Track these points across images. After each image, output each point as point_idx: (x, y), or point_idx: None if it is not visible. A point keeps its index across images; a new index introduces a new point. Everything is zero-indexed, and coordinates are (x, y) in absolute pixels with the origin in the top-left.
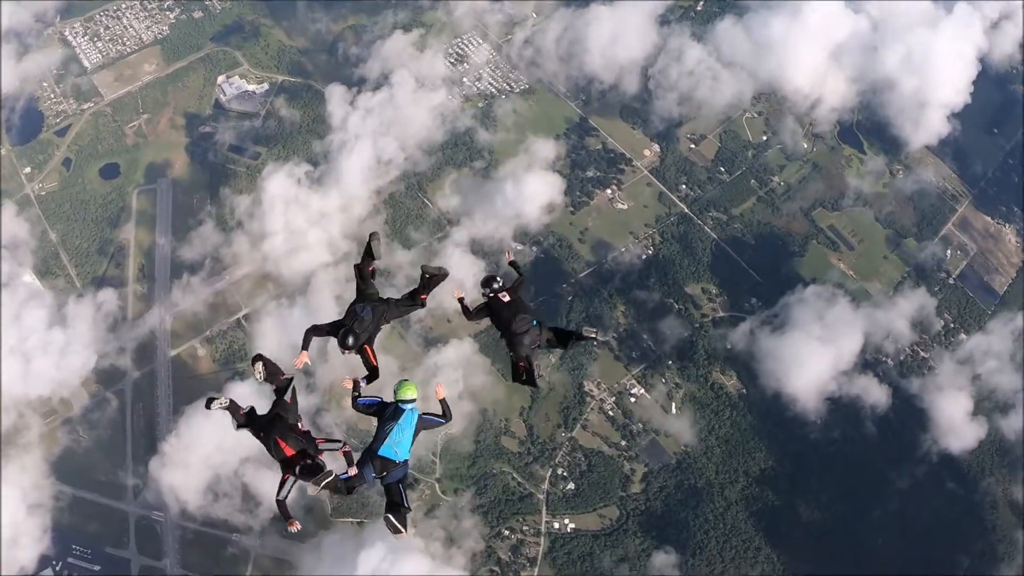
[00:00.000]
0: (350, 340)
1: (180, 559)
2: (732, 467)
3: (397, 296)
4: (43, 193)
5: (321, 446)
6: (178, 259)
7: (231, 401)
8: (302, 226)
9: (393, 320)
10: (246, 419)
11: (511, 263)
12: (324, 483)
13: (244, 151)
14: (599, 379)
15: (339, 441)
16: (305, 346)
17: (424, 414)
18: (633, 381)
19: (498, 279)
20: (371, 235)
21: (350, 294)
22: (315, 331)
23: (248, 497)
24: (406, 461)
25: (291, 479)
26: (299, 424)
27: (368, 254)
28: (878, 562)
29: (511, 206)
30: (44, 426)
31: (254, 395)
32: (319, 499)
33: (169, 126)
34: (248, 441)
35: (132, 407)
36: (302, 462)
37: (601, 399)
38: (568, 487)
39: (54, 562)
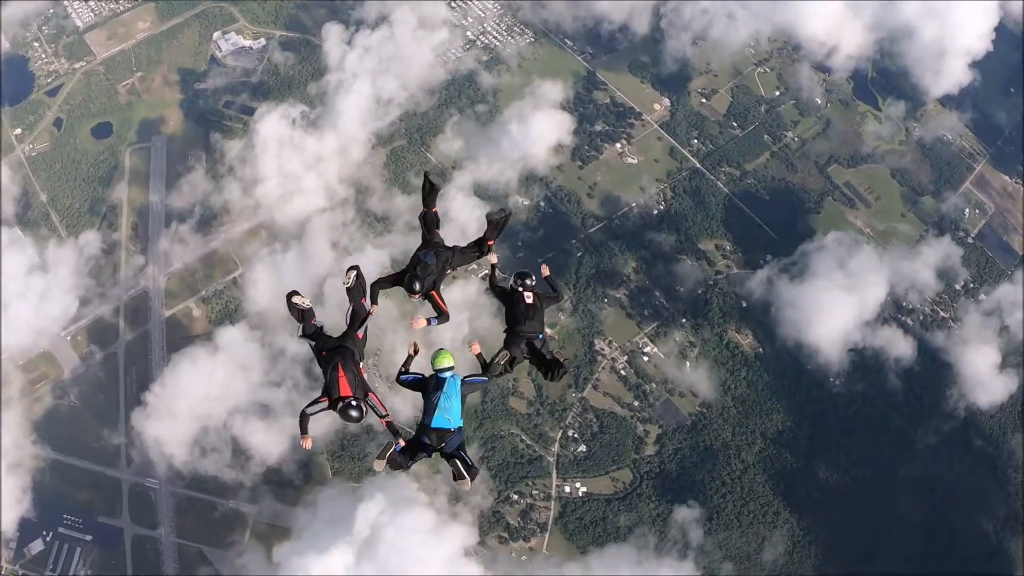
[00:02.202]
0: (416, 285)
1: (175, 527)
2: (749, 428)
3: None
4: (34, 154)
5: (371, 400)
6: (172, 214)
7: (309, 308)
8: (297, 170)
9: (459, 267)
10: (315, 333)
11: (547, 278)
12: (387, 456)
13: (240, 107)
14: (610, 337)
15: (386, 412)
16: (374, 300)
17: (466, 378)
18: (646, 339)
19: (532, 277)
20: (425, 174)
21: (347, 239)
22: (380, 284)
23: (239, 451)
24: (460, 428)
25: (325, 404)
26: (360, 365)
27: (430, 194)
28: (900, 527)
29: (517, 147)
30: (34, 390)
31: None
32: (317, 458)
33: (163, 84)
34: (238, 389)
35: (125, 370)
36: (347, 401)
37: (613, 358)
38: (579, 449)
39: (44, 532)
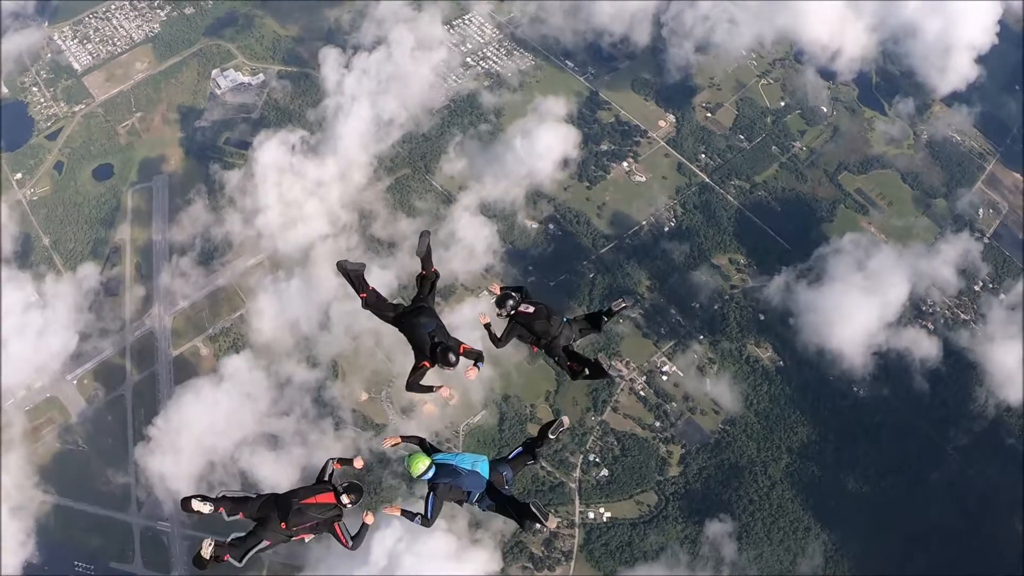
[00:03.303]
0: (451, 356)
1: (189, 571)
2: (774, 443)
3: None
4: (35, 198)
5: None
6: (175, 251)
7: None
8: (299, 197)
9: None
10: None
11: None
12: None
13: (241, 142)
14: (627, 357)
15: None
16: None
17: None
18: (664, 358)
19: (513, 294)
20: (422, 234)
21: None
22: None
23: (248, 486)
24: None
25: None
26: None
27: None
28: (933, 534)
29: (523, 164)
30: (40, 435)
31: None
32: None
33: (163, 123)
34: (244, 420)
35: (133, 412)
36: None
37: (631, 379)
38: (601, 474)
39: None
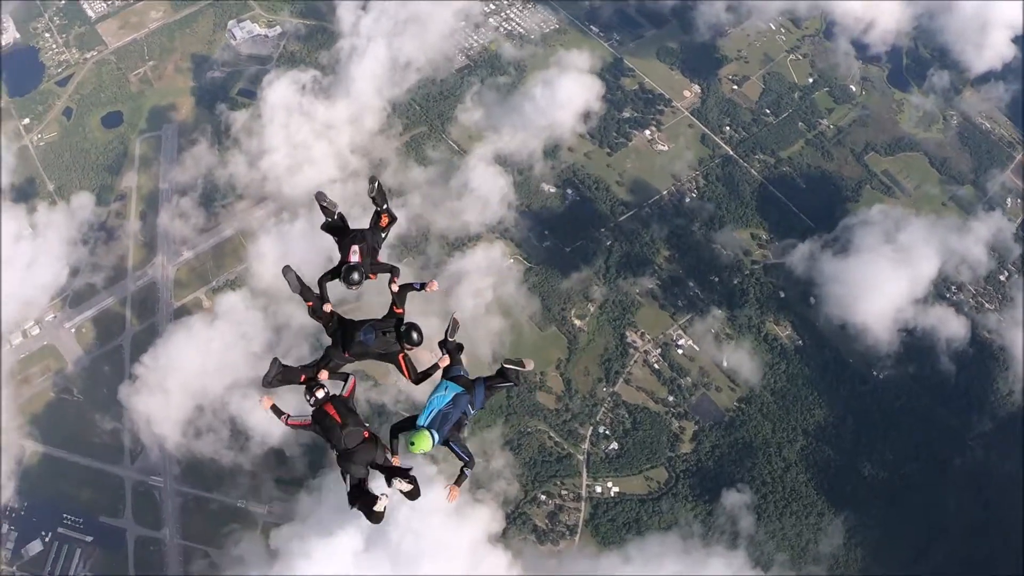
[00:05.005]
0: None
1: (180, 529)
2: (790, 424)
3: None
4: (42, 144)
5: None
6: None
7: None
8: (307, 139)
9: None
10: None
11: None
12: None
13: (254, 94)
14: (643, 329)
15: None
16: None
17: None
18: (680, 331)
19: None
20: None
21: (359, 211)
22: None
23: (237, 432)
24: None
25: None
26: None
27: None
28: (951, 525)
29: (543, 114)
30: (34, 383)
31: None
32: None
33: (175, 72)
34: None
35: (131, 363)
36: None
37: (646, 351)
38: (611, 447)
39: (43, 532)
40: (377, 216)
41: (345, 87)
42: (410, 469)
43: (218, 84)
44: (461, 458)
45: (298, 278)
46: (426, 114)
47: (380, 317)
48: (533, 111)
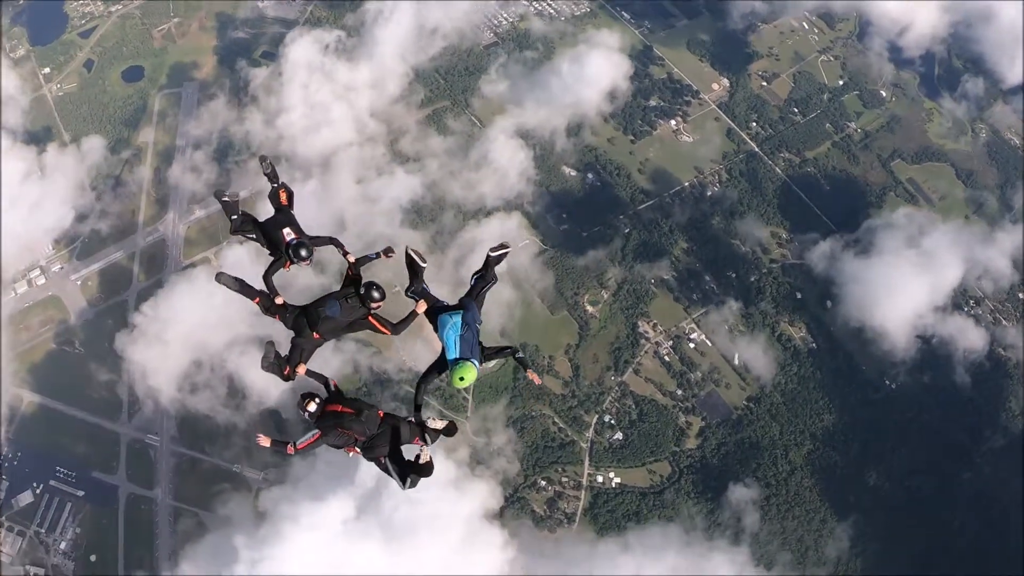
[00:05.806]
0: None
1: (173, 489)
2: (798, 427)
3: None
4: (60, 94)
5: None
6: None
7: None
8: (326, 100)
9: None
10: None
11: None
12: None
13: (277, 57)
14: (655, 320)
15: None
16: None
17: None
18: (693, 325)
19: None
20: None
21: (374, 174)
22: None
23: (235, 390)
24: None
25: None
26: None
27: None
28: (955, 543)
29: (569, 91)
30: (35, 333)
31: None
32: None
33: (200, 30)
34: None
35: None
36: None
37: (657, 342)
38: (615, 437)
39: (35, 484)
40: (276, 193)
41: (369, 50)
42: (429, 419)
43: (242, 45)
44: (505, 354)
45: (235, 279)
46: (450, 89)
47: (337, 289)
48: (559, 86)
